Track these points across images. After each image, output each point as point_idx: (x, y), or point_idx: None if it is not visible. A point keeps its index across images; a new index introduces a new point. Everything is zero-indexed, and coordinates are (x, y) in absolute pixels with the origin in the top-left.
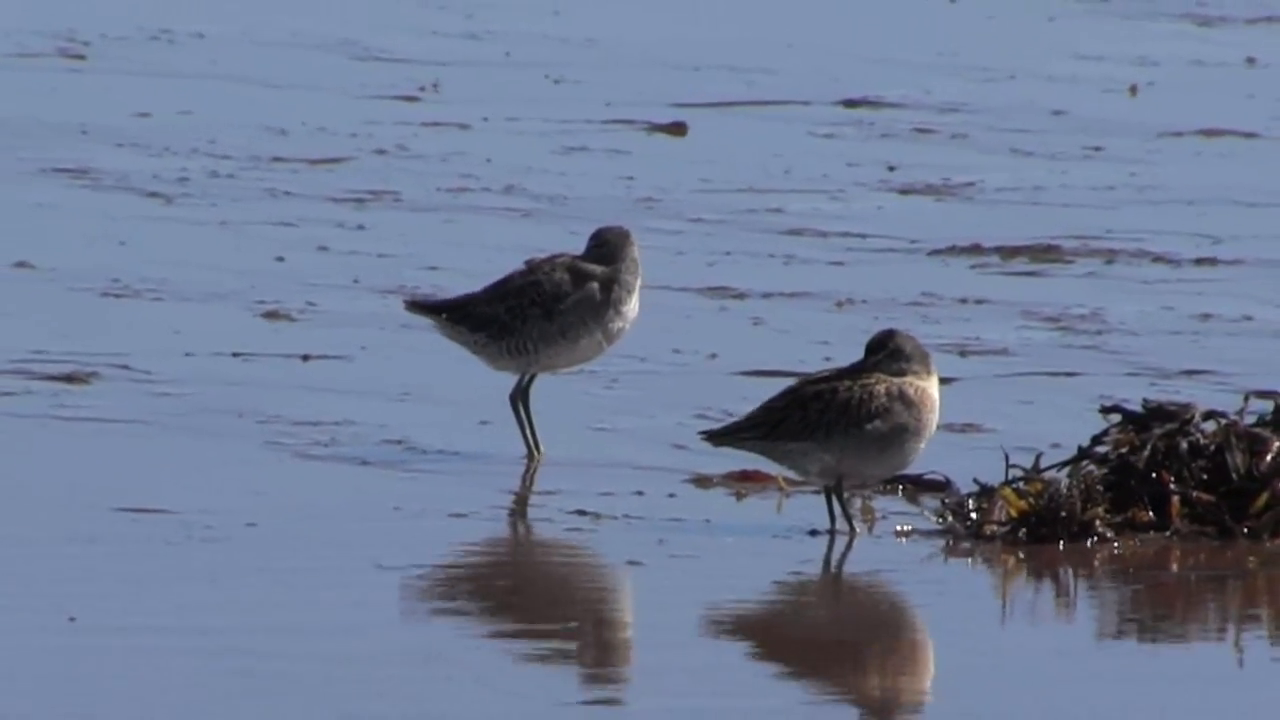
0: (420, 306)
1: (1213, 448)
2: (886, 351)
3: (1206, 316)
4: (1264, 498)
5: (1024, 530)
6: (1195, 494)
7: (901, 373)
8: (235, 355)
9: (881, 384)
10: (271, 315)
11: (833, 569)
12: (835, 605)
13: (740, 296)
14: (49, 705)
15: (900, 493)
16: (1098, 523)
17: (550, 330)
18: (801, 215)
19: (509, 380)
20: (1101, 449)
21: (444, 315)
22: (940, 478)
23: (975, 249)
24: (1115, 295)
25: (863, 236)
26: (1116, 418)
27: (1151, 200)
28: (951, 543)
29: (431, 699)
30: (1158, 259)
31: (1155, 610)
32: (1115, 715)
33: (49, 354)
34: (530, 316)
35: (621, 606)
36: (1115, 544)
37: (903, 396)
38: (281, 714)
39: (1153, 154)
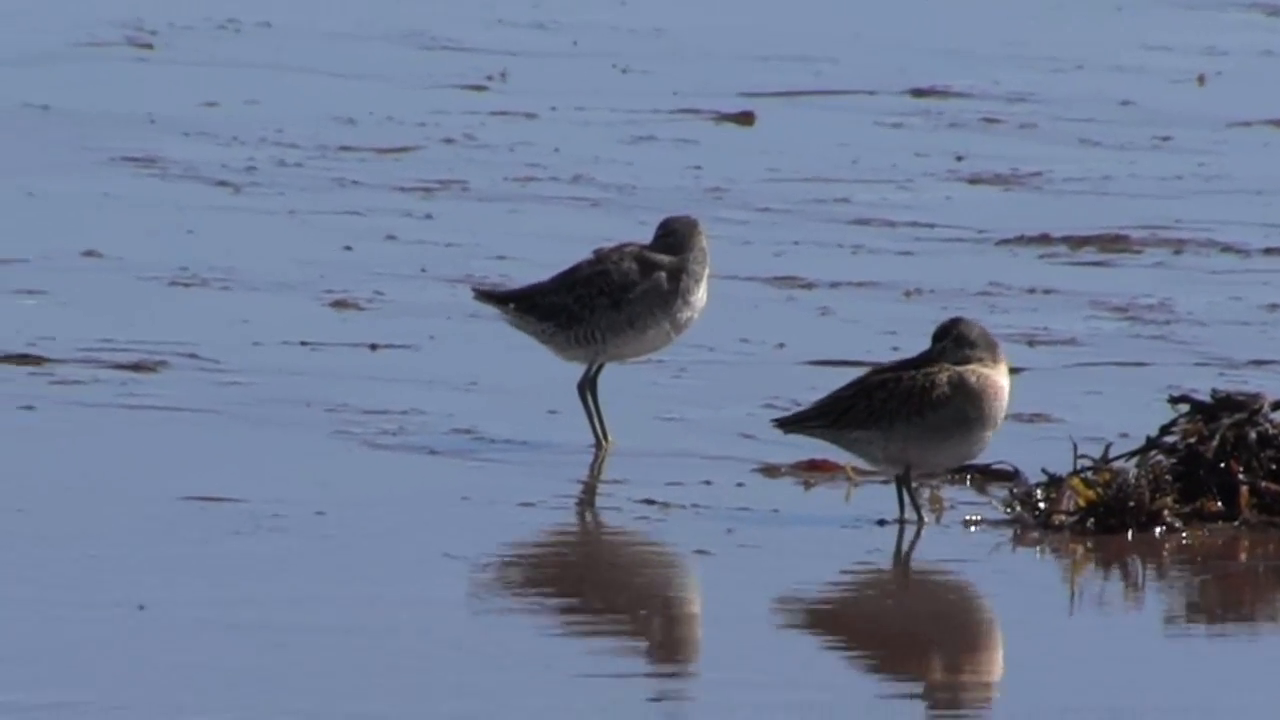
0: (488, 296)
1: None
2: (950, 339)
3: (1275, 306)
4: None
5: (1092, 520)
6: (1264, 484)
7: (966, 360)
8: (303, 344)
9: (944, 372)
10: (339, 304)
11: (901, 558)
12: (903, 595)
13: (808, 286)
14: (117, 693)
15: (969, 482)
16: (1166, 513)
17: (618, 320)
18: (869, 205)
19: (577, 369)
20: (1170, 439)
21: (512, 305)
22: (1009, 467)
23: (1043, 239)
24: (1183, 285)
25: (931, 226)
26: (1185, 408)
27: (1220, 190)
28: (1020, 532)
29: (499, 686)
30: (1226, 249)
31: (1223, 600)
32: (1182, 704)
33: (117, 343)
34: (598, 306)
35: (690, 595)
36: (1183, 534)
37: (964, 385)
38: (351, 700)
39: (1221, 144)
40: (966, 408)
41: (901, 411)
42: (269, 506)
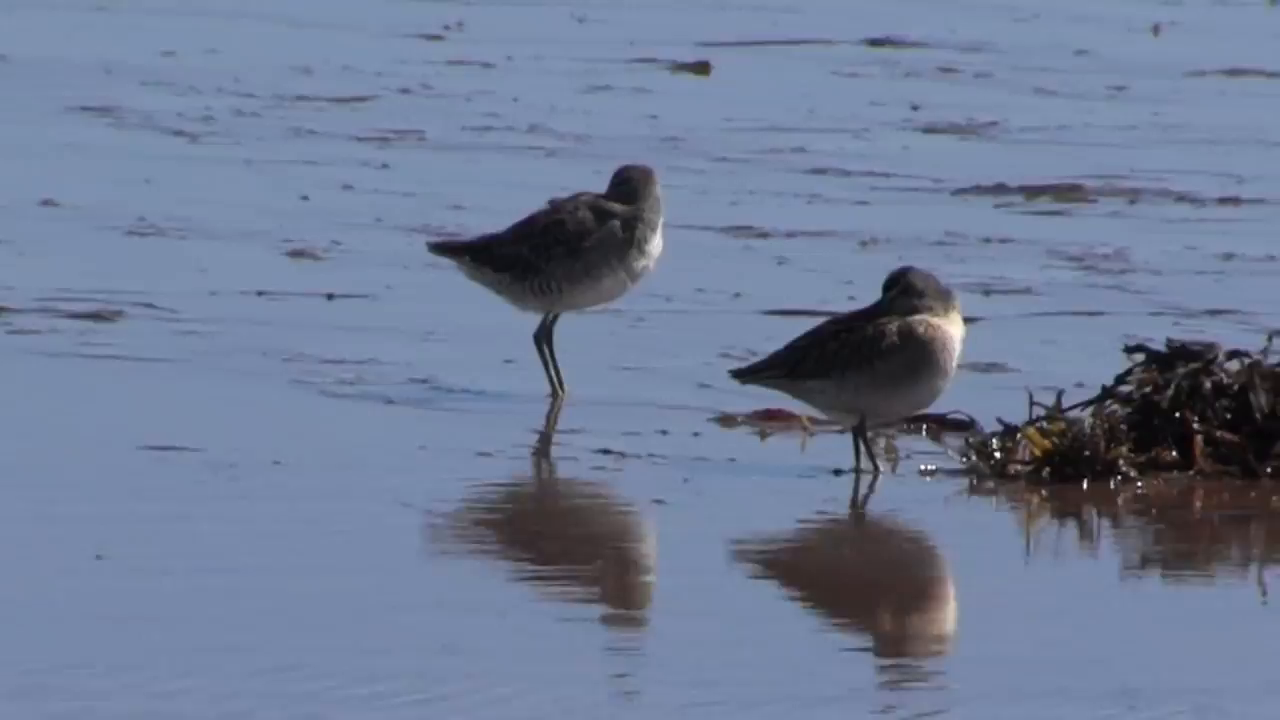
0: (444, 248)
1: (1236, 387)
2: (899, 288)
3: (1230, 256)
4: None
5: (1048, 470)
6: (1219, 434)
7: (915, 310)
8: (260, 294)
9: (893, 322)
10: (297, 254)
11: (857, 508)
12: (859, 544)
13: (764, 235)
14: (74, 644)
15: (924, 432)
16: (1121, 462)
17: (575, 269)
18: (825, 154)
19: (533, 319)
20: (1125, 388)
21: (468, 256)
22: (964, 417)
23: (999, 188)
24: (1139, 234)
25: (887, 176)
26: (1140, 357)
27: (1175, 140)
28: (975, 482)
29: (454, 636)
30: (1181, 198)
31: (1179, 549)
32: (1138, 652)
33: (74, 292)
34: (555, 256)
35: (645, 545)
36: (1139, 483)
37: (913, 334)
38: (306, 651)
39: (1176, 93)
40: (916, 357)
41: (852, 361)
42: (226, 455)
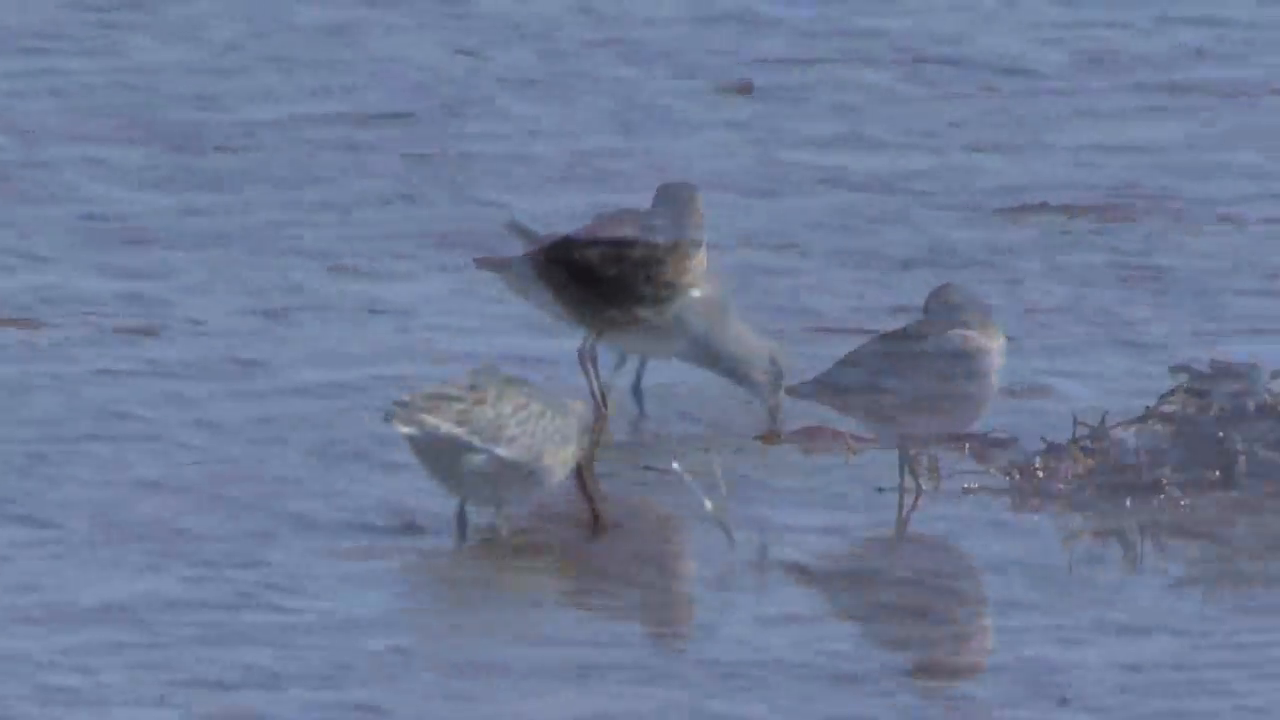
0: (490, 262)
1: None
2: (940, 305)
3: (1275, 275)
4: None
5: (1090, 488)
6: (1261, 453)
7: (954, 326)
8: (302, 309)
9: (933, 339)
10: (338, 268)
11: (900, 525)
12: (902, 561)
13: (807, 254)
14: (130, 667)
15: (967, 450)
16: (1164, 481)
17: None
18: (867, 172)
19: (578, 335)
20: (1168, 408)
21: (512, 270)
22: (1007, 435)
23: (1042, 206)
24: (1183, 253)
25: (929, 194)
26: (1184, 376)
27: (1220, 158)
28: (1018, 500)
29: (492, 649)
30: (1225, 218)
31: (1221, 568)
32: (1181, 667)
33: (115, 305)
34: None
35: (686, 562)
36: (1181, 502)
37: (955, 352)
38: (327, 666)
39: (1222, 110)
40: (958, 375)
41: (890, 379)
42: (270, 468)
